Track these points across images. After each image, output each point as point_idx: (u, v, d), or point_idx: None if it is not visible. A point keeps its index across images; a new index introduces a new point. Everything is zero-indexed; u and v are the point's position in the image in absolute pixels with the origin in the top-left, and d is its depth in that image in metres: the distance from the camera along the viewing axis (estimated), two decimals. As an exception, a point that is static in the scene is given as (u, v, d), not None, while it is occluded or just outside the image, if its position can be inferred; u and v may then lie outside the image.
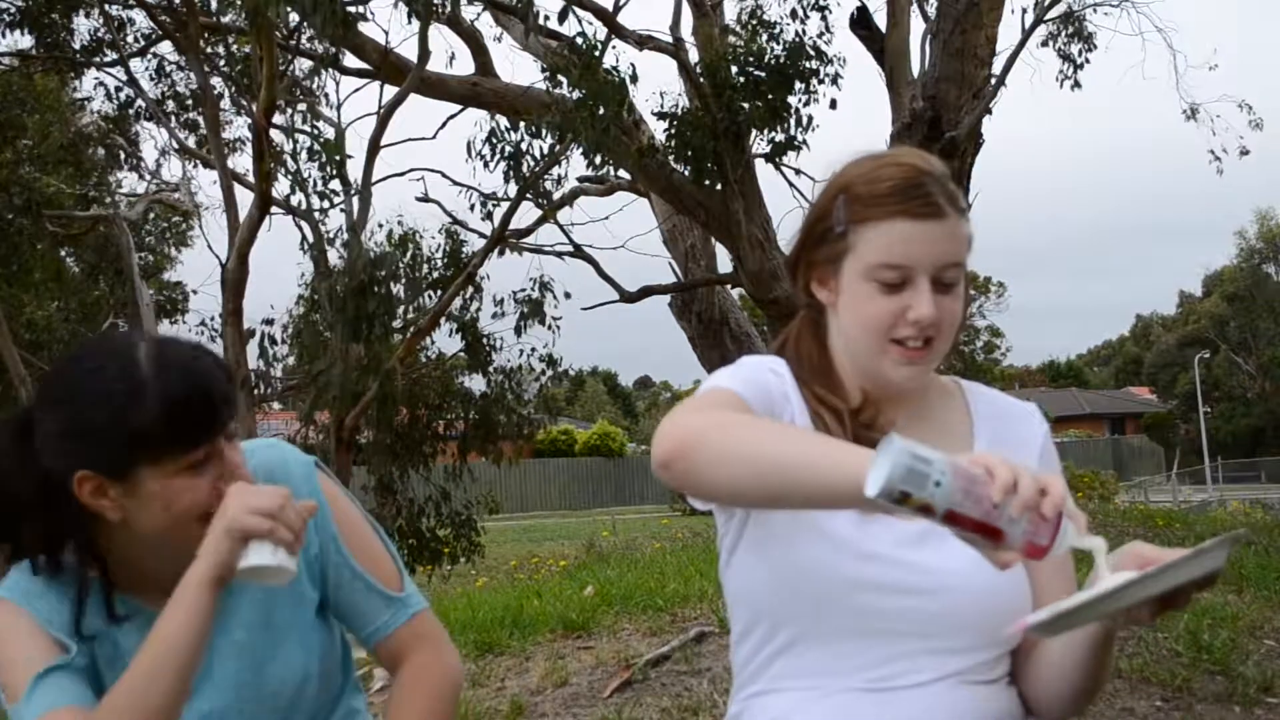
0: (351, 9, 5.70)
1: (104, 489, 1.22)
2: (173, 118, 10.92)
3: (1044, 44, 9.03)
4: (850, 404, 1.34)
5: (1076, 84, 8.99)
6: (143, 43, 10.14)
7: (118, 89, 10.61)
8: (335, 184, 9.32)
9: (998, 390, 1.47)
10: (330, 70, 9.62)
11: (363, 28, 6.43)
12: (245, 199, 8.20)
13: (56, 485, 1.23)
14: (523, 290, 9.54)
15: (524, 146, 7.53)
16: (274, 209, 8.13)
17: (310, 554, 1.37)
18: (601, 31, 6.84)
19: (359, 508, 1.46)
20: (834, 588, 1.25)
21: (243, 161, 10.55)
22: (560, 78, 6.55)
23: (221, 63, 10.03)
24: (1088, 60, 8.91)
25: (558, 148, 7.48)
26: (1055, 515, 1.01)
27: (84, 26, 9.75)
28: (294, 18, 5.83)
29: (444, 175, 10.41)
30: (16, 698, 1.23)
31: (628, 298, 8.48)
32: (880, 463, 0.99)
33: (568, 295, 9.38)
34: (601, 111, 6.32)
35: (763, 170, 7.46)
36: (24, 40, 9.86)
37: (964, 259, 1.29)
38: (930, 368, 1.31)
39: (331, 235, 9.58)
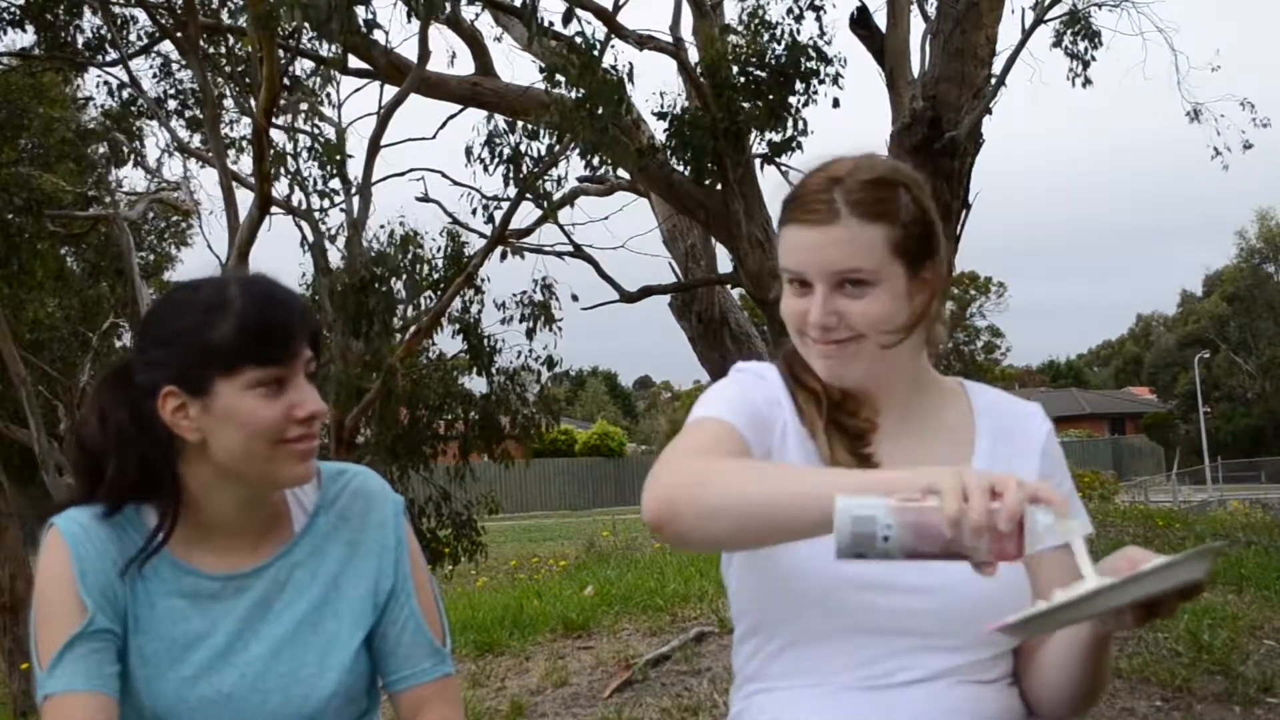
0: (361, 9, 5.67)
1: (185, 408, 1.28)
2: (175, 117, 10.92)
3: (1054, 45, 9.05)
4: (834, 395, 1.36)
5: (1087, 80, 9.01)
6: (145, 40, 10.14)
7: (120, 86, 10.62)
8: (335, 184, 9.34)
9: (1000, 390, 1.47)
10: (334, 73, 9.62)
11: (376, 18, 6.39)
12: (246, 199, 8.20)
13: (147, 410, 1.30)
14: (524, 292, 9.56)
15: (522, 148, 7.54)
16: (274, 209, 8.12)
17: (383, 587, 1.42)
18: (601, 31, 6.84)
19: (424, 561, 1.51)
20: (832, 586, 1.26)
21: (245, 161, 10.54)
22: (559, 77, 6.55)
23: (223, 62, 10.03)
24: (1094, 58, 8.93)
25: (556, 148, 7.48)
26: (1015, 524, 1.00)
27: (86, 25, 9.74)
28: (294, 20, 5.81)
29: (444, 175, 10.41)
30: (43, 667, 1.28)
31: (628, 298, 8.48)
32: (835, 528, 1.01)
33: (575, 298, 9.38)
34: (600, 111, 6.31)
35: (762, 170, 7.47)
36: (24, 39, 9.87)
37: (863, 264, 1.28)
38: (858, 362, 1.31)
39: (333, 234, 9.60)
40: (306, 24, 5.73)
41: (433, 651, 1.42)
